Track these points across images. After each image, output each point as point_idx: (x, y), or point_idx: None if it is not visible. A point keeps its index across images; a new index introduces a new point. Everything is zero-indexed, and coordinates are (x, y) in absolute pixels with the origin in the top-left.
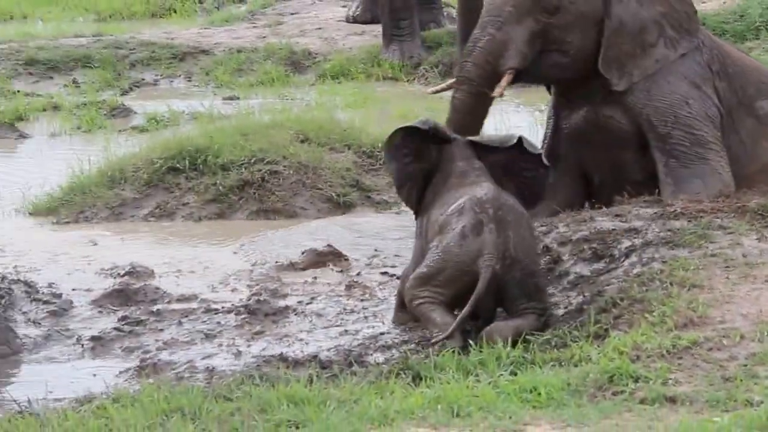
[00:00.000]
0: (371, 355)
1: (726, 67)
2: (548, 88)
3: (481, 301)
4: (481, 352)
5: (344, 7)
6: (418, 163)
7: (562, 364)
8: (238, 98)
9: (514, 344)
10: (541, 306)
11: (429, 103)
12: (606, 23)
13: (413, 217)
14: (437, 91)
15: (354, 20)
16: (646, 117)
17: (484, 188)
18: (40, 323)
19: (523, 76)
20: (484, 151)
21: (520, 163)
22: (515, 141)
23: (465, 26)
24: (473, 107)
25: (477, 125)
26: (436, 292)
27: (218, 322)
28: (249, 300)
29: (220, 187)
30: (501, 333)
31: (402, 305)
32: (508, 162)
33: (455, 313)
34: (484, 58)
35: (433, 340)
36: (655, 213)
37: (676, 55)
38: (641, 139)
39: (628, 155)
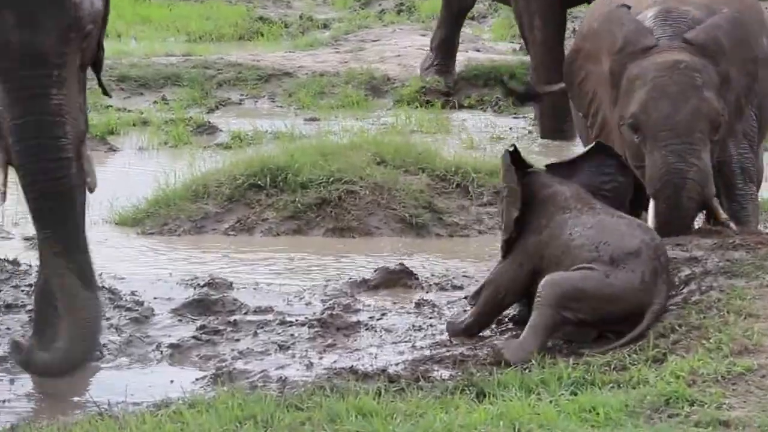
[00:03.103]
0: (437, 371)
1: None
2: None
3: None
4: (543, 371)
5: (423, 35)
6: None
7: (621, 386)
8: (319, 120)
9: (575, 366)
10: None
11: (498, 131)
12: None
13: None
14: None
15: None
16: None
17: (650, 232)
18: (122, 330)
19: None
20: (569, 172)
21: (600, 176)
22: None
23: None
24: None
25: None
26: (575, 312)
27: (292, 334)
28: (322, 314)
29: (299, 205)
30: None
31: (484, 314)
32: (590, 178)
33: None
34: (697, 191)
35: (505, 355)
36: (715, 243)
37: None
38: None
39: None
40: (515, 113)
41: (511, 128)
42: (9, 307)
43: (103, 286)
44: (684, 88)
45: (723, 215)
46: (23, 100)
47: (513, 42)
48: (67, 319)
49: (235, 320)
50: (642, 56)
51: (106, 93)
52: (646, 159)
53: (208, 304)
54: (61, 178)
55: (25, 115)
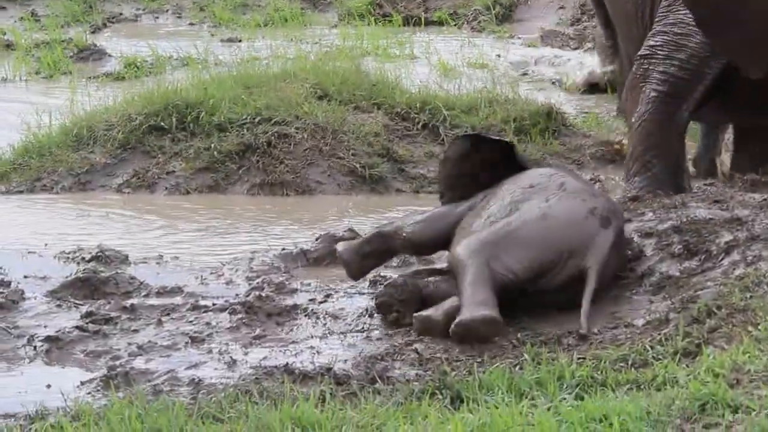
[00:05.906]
0: (399, 368)
1: None
2: None
3: None
4: (538, 368)
5: None
6: None
7: (642, 387)
8: (241, 41)
9: (580, 361)
10: None
11: (479, 51)
12: None
13: None
14: None
15: None
16: None
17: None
18: None
19: None
20: None
21: None
22: None
23: None
24: None
25: None
26: (504, 263)
27: (208, 323)
28: (247, 296)
29: (215, 153)
30: None
31: None
32: None
33: None
34: None
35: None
36: (764, 200)
37: None
38: None
39: None
40: (499, 32)
41: (498, 54)
42: None
43: None
44: None
45: None
46: None
47: None
48: None
49: (132, 305)
50: None
51: None
52: None
53: (97, 285)
54: None
55: None
